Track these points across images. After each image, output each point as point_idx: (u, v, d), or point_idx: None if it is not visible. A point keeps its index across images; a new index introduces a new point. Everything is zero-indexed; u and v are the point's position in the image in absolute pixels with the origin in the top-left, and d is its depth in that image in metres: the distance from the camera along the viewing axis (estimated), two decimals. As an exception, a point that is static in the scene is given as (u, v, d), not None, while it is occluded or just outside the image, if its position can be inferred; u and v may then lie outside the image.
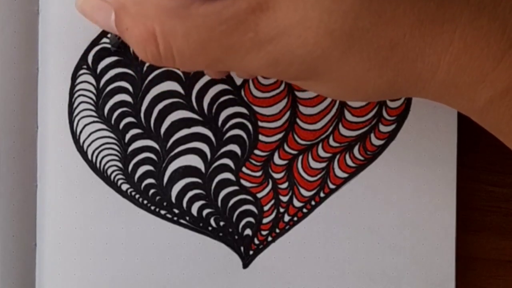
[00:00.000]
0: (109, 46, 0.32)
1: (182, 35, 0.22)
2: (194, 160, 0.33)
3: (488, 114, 0.23)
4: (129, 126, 0.32)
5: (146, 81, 0.32)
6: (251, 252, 0.33)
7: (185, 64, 0.24)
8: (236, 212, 0.33)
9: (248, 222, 0.33)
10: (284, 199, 0.33)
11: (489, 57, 0.22)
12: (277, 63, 0.23)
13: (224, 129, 0.33)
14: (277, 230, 0.33)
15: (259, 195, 0.33)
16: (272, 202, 0.33)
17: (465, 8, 0.22)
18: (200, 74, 0.32)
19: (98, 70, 0.32)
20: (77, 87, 0.32)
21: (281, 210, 0.33)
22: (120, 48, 0.32)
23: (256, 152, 0.33)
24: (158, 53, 0.23)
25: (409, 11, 0.21)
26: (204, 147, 0.33)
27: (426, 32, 0.22)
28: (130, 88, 0.32)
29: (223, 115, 0.33)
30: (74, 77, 0.32)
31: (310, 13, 0.21)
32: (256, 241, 0.33)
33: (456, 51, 0.22)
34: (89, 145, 0.32)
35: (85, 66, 0.32)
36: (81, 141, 0.32)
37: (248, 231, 0.33)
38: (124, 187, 0.32)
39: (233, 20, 0.22)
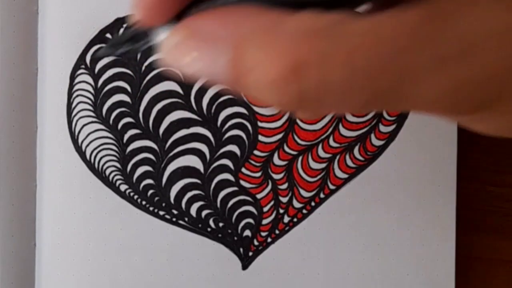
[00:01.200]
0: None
1: (341, 62, 0.16)
2: (193, 161, 0.33)
3: None
4: (127, 126, 0.32)
5: (145, 81, 0.32)
6: (250, 253, 0.33)
7: (336, 106, 0.18)
8: (236, 213, 0.33)
9: (248, 223, 0.33)
10: (284, 200, 0.33)
11: None
12: (462, 86, 0.17)
13: (223, 129, 0.33)
14: (277, 231, 0.33)
15: (258, 196, 0.33)
16: (272, 203, 0.33)
17: None
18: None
19: (96, 70, 0.32)
20: (76, 87, 0.32)
21: (281, 211, 0.33)
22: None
23: (256, 152, 0.33)
24: (300, 92, 0.17)
25: None
26: (203, 148, 0.33)
27: None
28: (129, 88, 0.32)
29: (222, 115, 0.33)
30: (73, 76, 0.32)
31: (505, 14, 0.17)
32: (256, 242, 0.33)
33: None
34: (88, 145, 0.32)
35: (83, 66, 0.32)
36: (80, 141, 0.32)
37: (247, 232, 0.33)
38: (123, 187, 0.32)
39: (404, 35, 0.17)
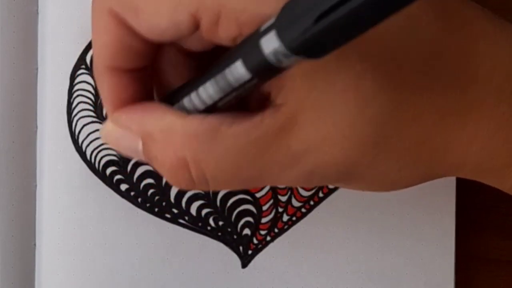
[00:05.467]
0: None
1: (215, 160, 0.21)
2: (193, 160, 0.33)
3: None
4: (128, 126, 0.32)
5: (145, 81, 0.32)
6: (250, 252, 0.33)
7: (220, 187, 0.23)
8: (235, 212, 0.33)
9: (247, 221, 0.33)
10: (283, 199, 0.33)
11: None
12: (311, 176, 0.22)
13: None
14: (276, 230, 0.33)
15: (257, 195, 0.33)
16: (271, 202, 0.33)
17: (487, 95, 0.22)
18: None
19: (97, 70, 0.32)
20: (76, 87, 0.32)
21: (280, 210, 0.33)
22: None
23: (255, 152, 0.33)
24: (191, 179, 0.22)
25: (429, 110, 0.21)
26: (203, 147, 0.33)
27: (450, 127, 0.22)
28: (129, 88, 0.32)
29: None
30: (73, 77, 0.32)
31: (332, 130, 0.21)
32: (255, 241, 0.33)
33: (481, 140, 0.22)
34: (88, 145, 0.32)
35: (83, 66, 0.32)
36: (80, 141, 0.32)
37: (247, 231, 0.33)
38: (123, 187, 0.32)
39: (264, 138, 0.21)
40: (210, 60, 0.23)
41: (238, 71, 0.20)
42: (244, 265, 0.33)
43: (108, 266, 0.33)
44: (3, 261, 0.32)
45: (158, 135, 0.22)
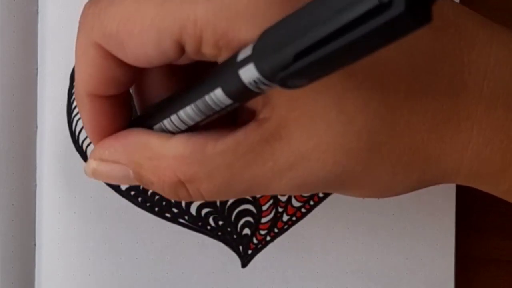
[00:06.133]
0: None
1: (206, 178, 0.22)
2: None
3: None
4: (127, 125, 0.32)
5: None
6: (249, 252, 0.33)
7: (216, 199, 0.25)
8: (235, 212, 0.33)
9: (247, 221, 0.33)
10: (283, 198, 0.33)
11: (510, 147, 0.22)
12: (302, 185, 0.23)
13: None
14: (276, 230, 0.33)
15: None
16: (271, 201, 0.33)
17: (479, 102, 0.22)
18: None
19: (97, 70, 0.32)
20: (76, 87, 0.32)
21: (280, 209, 0.33)
22: None
23: (255, 151, 0.33)
24: (189, 195, 0.23)
25: (422, 117, 0.22)
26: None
27: (443, 133, 0.22)
28: (129, 88, 0.32)
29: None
30: (73, 77, 0.32)
31: (323, 138, 0.21)
32: (255, 241, 0.33)
33: (476, 147, 0.22)
34: (88, 145, 0.32)
35: (83, 66, 0.32)
36: (80, 141, 0.32)
37: (246, 231, 0.33)
38: (123, 186, 0.32)
39: (249, 153, 0.22)
40: (195, 71, 0.24)
41: (218, 97, 0.20)
42: (244, 264, 0.33)
43: (108, 266, 0.33)
44: (3, 261, 0.32)
45: (148, 163, 0.23)
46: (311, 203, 0.33)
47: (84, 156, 0.32)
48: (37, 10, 0.32)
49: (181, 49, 0.21)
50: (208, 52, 0.21)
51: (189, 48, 0.21)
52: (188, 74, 0.25)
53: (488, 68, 0.22)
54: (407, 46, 0.21)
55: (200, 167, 0.22)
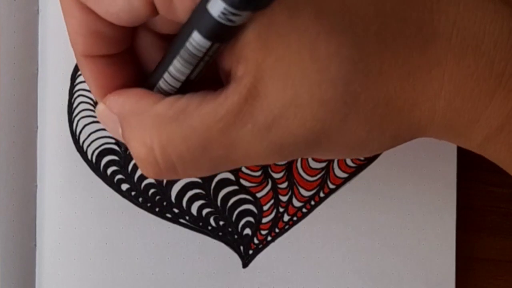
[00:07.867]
0: None
1: (181, 139, 0.22)
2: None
3: (485, 150, 0.24)
4: (128, 126, 0.32)
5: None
6: (250, 252, 0.33)
7: (188, 170, 0.23)
8: (236, 212, 0.33)
9: (248, 221, 0.33)
10: (284, 198, 0.33)
11: (481, 96, 0.22)
12: (282, 148, 0.22)
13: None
14: (277, 230, 0.33)
15: (258, 195, 0.33)
16: (272, 201, 0.33)
17: (449, 50, 0.22)
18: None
19: (98, 70, 0.32)
20: (77, 87, 0.32)
21: (281, 209, 0.33)
22: None
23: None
24: (157, 165, 0.23)
25: (393, 65, 0.22)
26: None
27: (415, 81, 0.22)
28: (130, 88, 0.32)
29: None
30: (74, 77, 0.32)
31: (299, 89, 0.21)
32: (256, 241, 0.33)
33: (448, 95, 0.22)
34: (89, 145, 0.32)
35: (84, 66, 0.32)
36: (81, 141, 0.32)
37: (247, 231, 0.33)
38: (124, 187, 0.32)
39: (228, 115, 0.21)
40: None
41: (197, 41, 0.21)
42: (245, 265, 0.33)
43: (108, 266, 0.33)
44: (3, 261, 0.31)
45: (132, 119, 0.23)
46: (312, 203, 0.33)
47: (84, 156, 0.32)
48: (38, 10, 0.32)
49: (152, 6, 0.21)
50: (180, 5, 0.21)
51: (159, 3, 0.21)
52: None
53: (457, 16, 0.22)
54: None
55: (178, 125, 0.22)
